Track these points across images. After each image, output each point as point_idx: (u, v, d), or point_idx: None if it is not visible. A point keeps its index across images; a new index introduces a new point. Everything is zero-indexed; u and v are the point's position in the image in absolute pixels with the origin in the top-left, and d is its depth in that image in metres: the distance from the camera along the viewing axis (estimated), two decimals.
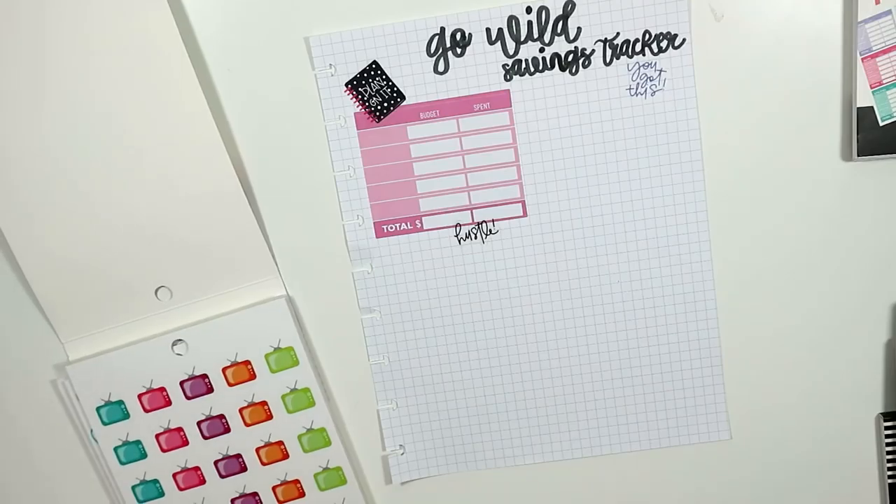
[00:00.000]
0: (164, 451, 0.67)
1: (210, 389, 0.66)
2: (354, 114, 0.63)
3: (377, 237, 0.66)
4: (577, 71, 0.62)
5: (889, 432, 0.67)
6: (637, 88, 0.62)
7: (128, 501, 0.69)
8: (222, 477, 0.68)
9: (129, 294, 0.65)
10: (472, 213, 0.65)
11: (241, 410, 0.67)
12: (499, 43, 0.62)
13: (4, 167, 0.62)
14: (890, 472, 0.68)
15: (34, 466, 0.71)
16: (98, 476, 0.71)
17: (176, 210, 0.63)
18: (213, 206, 0.63)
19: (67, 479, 0.71)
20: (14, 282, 0.66)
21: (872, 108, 0.60)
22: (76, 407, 0.67)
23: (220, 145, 0.62)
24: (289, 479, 0.69)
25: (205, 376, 0.66)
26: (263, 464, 0.68)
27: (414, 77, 0.62)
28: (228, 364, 0.66)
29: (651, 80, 0.62)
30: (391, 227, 0.65)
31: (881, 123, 0.61)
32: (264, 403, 0.67)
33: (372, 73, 0.62)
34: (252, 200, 0.65)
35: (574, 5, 0.61)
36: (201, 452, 0.68)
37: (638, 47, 0.61)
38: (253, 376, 0.66)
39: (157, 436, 0.67)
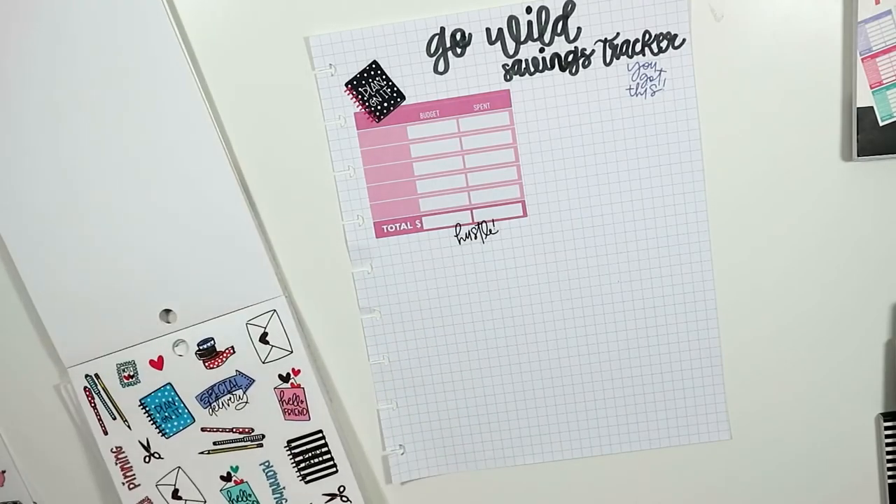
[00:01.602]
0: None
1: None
2: (354, 114, 0.63)
3: (377, 237, 0.66)
4: (577, 71, 0.62)
5: (889, 432, 0.67)
6: (637, 88, 0.62)
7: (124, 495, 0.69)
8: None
9: (133, 317, 0.65)
10: (472, 213, 0.65)
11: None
12: (499, 43, 0.62)
13: (11, 191, 0.63)
14: (890, 472, 0.68)
15: (38, 466, 0.71)
16: (87, 455, 0.71)
17: (180, 233, 0.63)
18: (219, 228, 0.63)
19: (70, 478, 0.71)
20: (15, 287, 0.66)
21: (872, 108, 0.60)
22: (79, 408, 0.67)
23: (227, 166, 0.62)
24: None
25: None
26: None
27: (414, 77, 0.62)
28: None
29: (651, 80, 0.62)
30: (391, 227, 0.65)
31: (881, 123, 0.61)
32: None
33: (372, 73, 0.62)
34: (251, 201, 0.65)
35: (574, 5, 0.61)
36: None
37: (638, 47, 0.61)
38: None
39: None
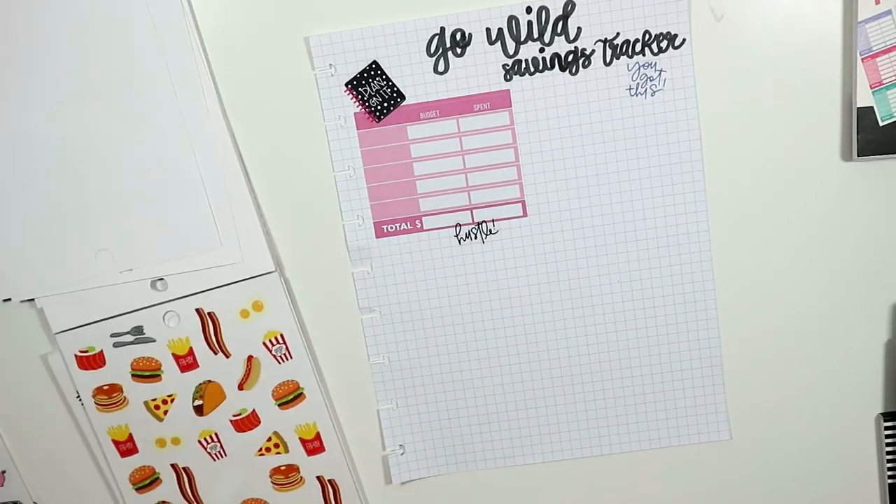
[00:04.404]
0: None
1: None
2: (354, 114, 0.63)
3: (377, 237, 0.66)
4: (577, 71, 0.62)
5: (889, 432, 0.67)
6: (637, 88, 0.62)
7: (111, 460, 0.70)
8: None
9: (124, 285, 0.65)
10: (472, 213, 0.65)
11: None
12: (499, 43, 0.62)
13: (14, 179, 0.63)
14: (890, 472, 0.68)
15: (38, 466, 0.72)
16: (84, 442, 0.71)
17: (175, 208, 0.63)
18: (222, 212, 0.64)
19: (56, 445, 0.71)
20: None
21: (872, 108, 0.60)
22: (66, 374, 0.67)
23: (234, 154, 0.63)
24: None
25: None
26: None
27: (414, 77, 0.62)
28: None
29: (651, 80, 0.62)
30: (391, 227, 0.65)
31: (881, 123, 0.61)
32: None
33: (372, 73, 0.62)
34: (251, 188, 0.65)
35: (574, 5, 0.61)
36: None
37: (638, 47, 0.61)
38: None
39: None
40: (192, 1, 0.61)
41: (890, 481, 0.68)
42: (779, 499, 0.70)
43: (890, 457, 0.68)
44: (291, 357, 0.66)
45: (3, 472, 0.71)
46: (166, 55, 0.60)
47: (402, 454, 0.70)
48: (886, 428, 0.67)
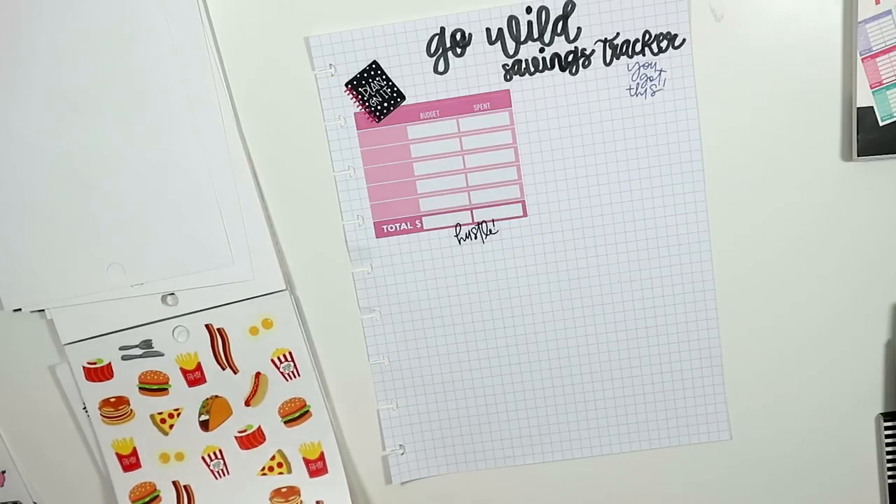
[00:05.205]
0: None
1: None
2: (354, 114, 0.63)
3: (377, 237, 0.66)
4: (577, 71, 0.62)
5: (889, 432, 0.67)
6: (637, 88, 0.62)
7: (113, 475, 0.69)
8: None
9: (134, 299, 0.65)
10: (472, 213, 0.65)
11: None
12: (499, 43, 0.62)
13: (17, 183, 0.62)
14: (890, 472, 0.68)
15: (38, 466, 0.71)
16: (88, 452, 0.71)
17: (187, 220, 0.63)
18: (235, 229, 0.64)
19: (60, 456, 0.71)
20: None
21: (872, 108, 0.60)
22: (73, 386, 0.67)
23: (244, 158, 0.63)
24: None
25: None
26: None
27: (414, 77, 0.62)
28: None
29: (651, 80, 0.62)
30: (391, 227, 0.65)
31: (881, 123, 0.61)
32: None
33: (372, 73, 0.62)
34: (262, 195, 0.64)
35: (574, 5, 0.61)
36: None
37: (638, 47, 0.61)
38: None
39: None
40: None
41: (890, 481, 0.68)
42: (779, 499, 0.70)
43: (890, 457, 0.68)
44: (299, 375, 0.66)
45: (3, 472, 0.71)
46: (183, 68, 0.61)
47: (402, 454, 0.70)
48: (886, 428, 0.67)
